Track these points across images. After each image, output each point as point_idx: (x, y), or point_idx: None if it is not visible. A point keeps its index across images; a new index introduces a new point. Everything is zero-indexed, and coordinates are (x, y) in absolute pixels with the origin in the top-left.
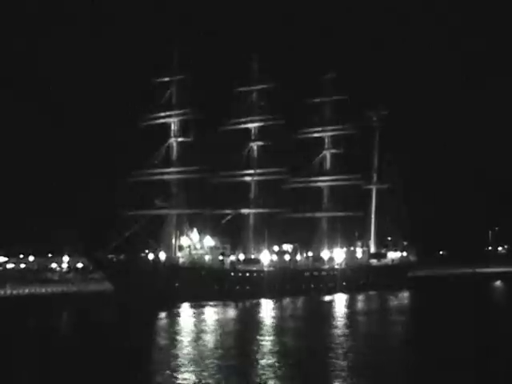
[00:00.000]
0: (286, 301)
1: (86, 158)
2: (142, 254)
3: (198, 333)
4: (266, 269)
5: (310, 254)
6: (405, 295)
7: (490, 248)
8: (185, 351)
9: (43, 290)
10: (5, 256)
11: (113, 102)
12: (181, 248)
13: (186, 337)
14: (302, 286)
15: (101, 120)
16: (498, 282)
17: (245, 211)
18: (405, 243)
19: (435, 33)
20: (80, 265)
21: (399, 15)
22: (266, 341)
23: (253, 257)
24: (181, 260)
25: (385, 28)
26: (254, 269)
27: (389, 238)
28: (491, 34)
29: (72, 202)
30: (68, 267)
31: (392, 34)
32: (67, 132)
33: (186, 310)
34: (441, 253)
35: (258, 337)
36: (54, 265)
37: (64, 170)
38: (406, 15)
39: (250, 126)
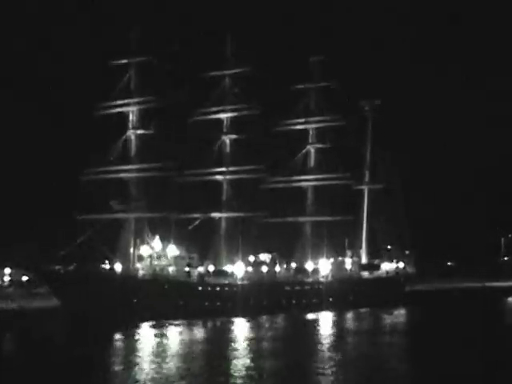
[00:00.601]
0: (263, 319)
1: (29, 155)
2: (95, 265)
3: (160, 356)
4: (239, 282)
5: (292, 265)
6: (401, 312)
7: (504, 258)
8: (143, 377)
9: None
10: None
11: (62, 89)
12: (140, 258)
13: (145, 361)
14: (281, 302)
15: (49, 109)
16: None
17: (216, 215)
18: (406, 252)
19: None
20: (24, 278)
21: None
22: (239, 365)
23: (225, 268)
24: (140, 272)
25: (379, 8)
26: (226, 282)
27: (388, 247)
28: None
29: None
30: (10, 281)
31: (388, 13)
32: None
33: (145, 331)
34: (449, 264)
35: (230, 361)
36: None
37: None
38: None
39: (221, 116)
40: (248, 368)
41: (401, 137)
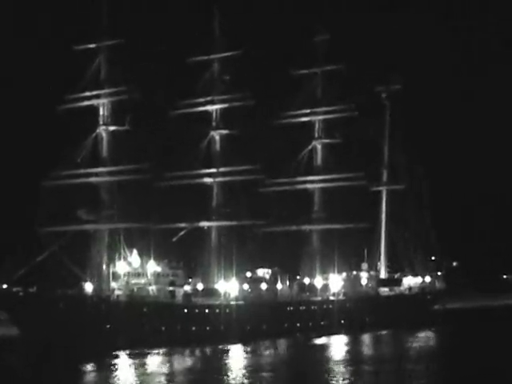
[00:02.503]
0: (262, 345)
1: None
2: (61, 286)
3: None
4: (233, 302)
5: (296, 281)
6: (429, 335)
7: None
8: None
9: None
10: None
11: (22, 79)
12: (116, 276)
13: None
14: (283, 326)
15: (5, 102)
16: None
17: (204, 224)
18: (432, 258)
19: None
20: None
21: None
22: None
23: (216, 286)
24: (116, 292)
25: None
26: (217, 303)
27: (433, 258)
28: None
29: None
30: None
31: None
32: None
33: (122, 361)
34: (505, 277)
35: None
36: None
37: None
38: None
39: (209, 108)
40: None
41: (425, 128)
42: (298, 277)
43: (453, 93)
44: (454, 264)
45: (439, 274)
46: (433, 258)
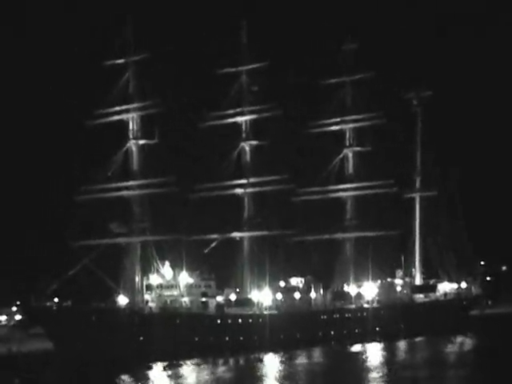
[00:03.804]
0: (297, 354)
1: (15, 173)
2: (95, 300)
3: None
4: (267, 312)
5: (330, 290)
6: (467, 341)
7: None
8: None
9: None
10: None
11: (50, 96)
12: (149, 288)
13: None
14: (317, 334)
15: (36, 118)
16: None
17: (236, 235)
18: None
19: None
20: (18, 317)
21: None
22: None
23: (249, 296)
24: (150, 304)
25: None
26: (251, 313)
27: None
28: None
29: None
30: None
31: None
32: None
33: (156, 372)
34: None
35: None
36: None
37: None
38: None
39: (238, 119)
40: None
41: (457, 134)
42: (331, 285)
43: (483, 98)
44: (504, 268)
45: (475, 279)
46: (482, 262)
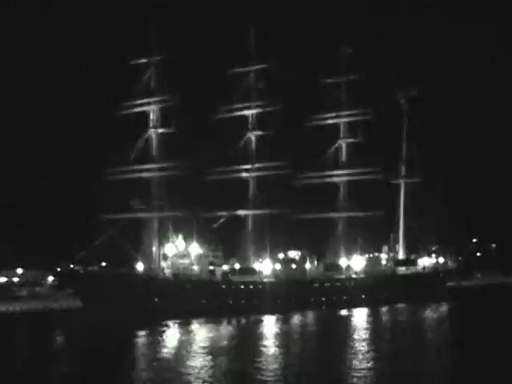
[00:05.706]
0: (292, 317)
1: (49, 156)
2: (117, 266)
3: (185, 354)
4: (266, 280)
5: (323, 261)
6: (443, 309)
7: None
8: (167, 376)
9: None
10: None
11: (82, 89)
12: (165, 257)
13: (168, 359)
14: (310, 300)
15: (68, 109)
16: None
17: (242, 213)
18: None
19: None
20: (50, 278)
21: None
22: (268, 362)
23: (251, 266)
24: (166, 271)
25: None
26: (252, 280)
27: (433, 248)
28: None
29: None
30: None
31: None
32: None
33: (169, 328)
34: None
35: (259, 359)
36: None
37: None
38: None
39: (246, 112)
40: (279, 366)
41: (439, 128)
42: (324, 258)
43: (464, 97)
44: (493, 246)
45: (451, 255)
46: (474, 240)
